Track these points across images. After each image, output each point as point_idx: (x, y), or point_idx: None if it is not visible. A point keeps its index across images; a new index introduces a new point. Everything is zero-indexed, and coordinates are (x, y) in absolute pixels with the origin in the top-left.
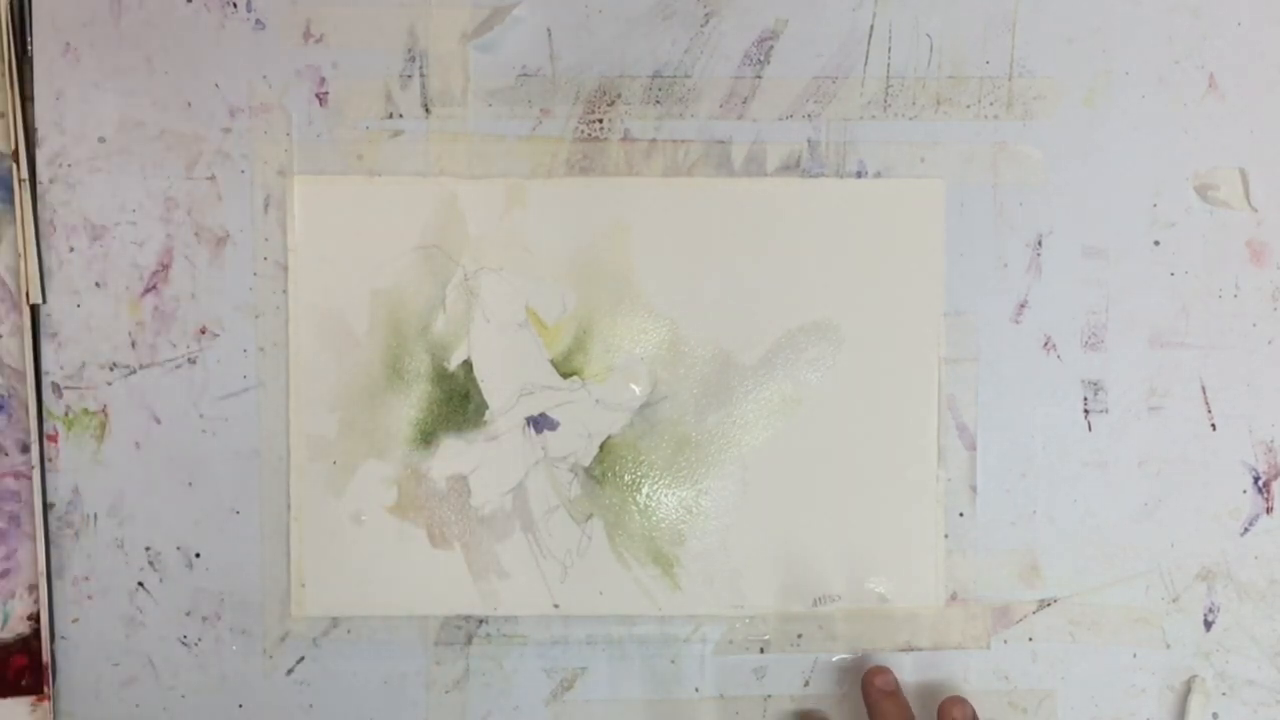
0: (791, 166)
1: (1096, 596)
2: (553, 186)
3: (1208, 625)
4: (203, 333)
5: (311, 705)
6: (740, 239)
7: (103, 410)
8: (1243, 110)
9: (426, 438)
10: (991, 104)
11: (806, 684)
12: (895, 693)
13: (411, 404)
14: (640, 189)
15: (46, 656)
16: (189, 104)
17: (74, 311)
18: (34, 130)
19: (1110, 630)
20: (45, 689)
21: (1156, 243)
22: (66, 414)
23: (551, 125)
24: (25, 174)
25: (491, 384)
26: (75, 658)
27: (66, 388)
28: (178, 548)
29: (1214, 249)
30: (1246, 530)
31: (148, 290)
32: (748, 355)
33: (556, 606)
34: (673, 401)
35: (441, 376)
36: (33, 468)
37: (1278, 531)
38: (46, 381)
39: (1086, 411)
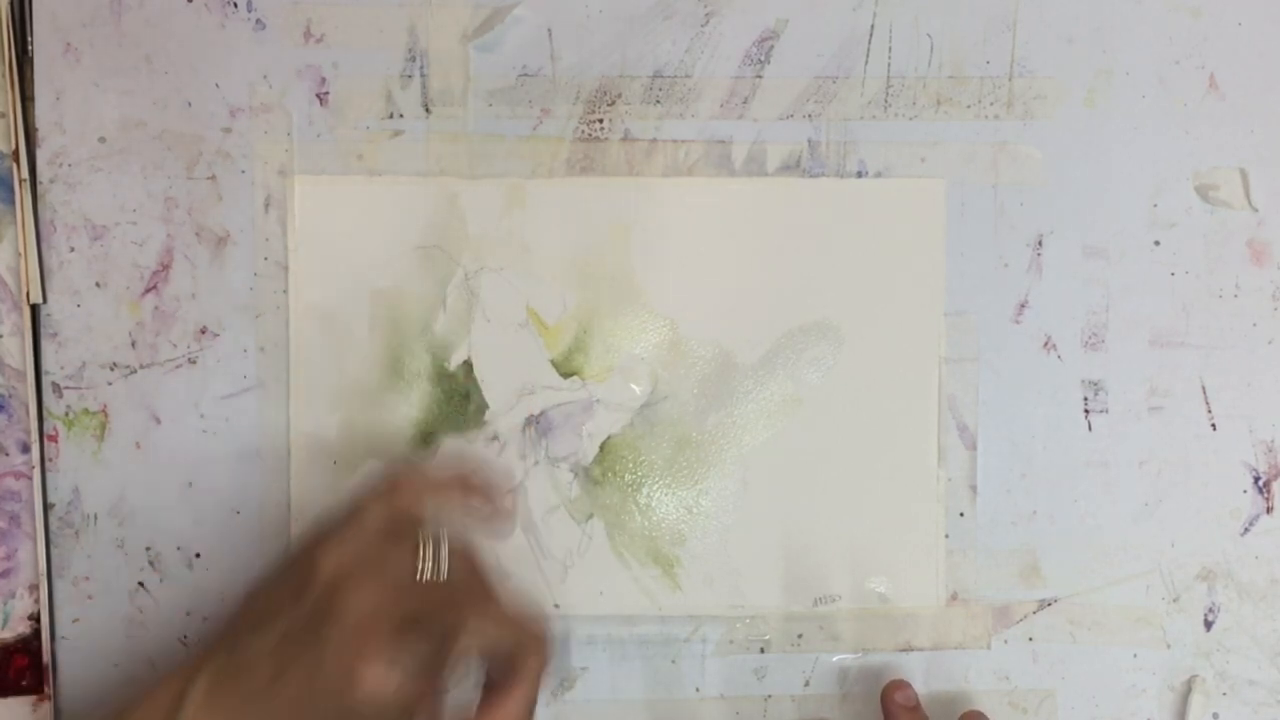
0: (792, 166)
1: (1096, 596)
2: (553, 186)
3: (1208, 625)
4: (203, 333)
5: None
6: (740, 239)
7: (103, 410)
8: (1243, 110)
9: (427, 438)
10: (991, 104)
11: (807, 684)
12: (916, 708)
13: (412, 404)
14: (640, 189)
15: (47, 656)
16: (189, 104)
17: (74, 311)
18: (34, 130)
19: (1110, 630)
20: (45, 689)
21: (1157, 243)
22: (66, 414)
23: (551, 125)
24: (25, 174)
25: (491, 384)
26: (76, 658)
27: (66, 388)
28: (178, 548)
29: (1214, 249)
30: (1247, 530)
31: (148, 290)
32: (748, 355)
33: (556, 606)
34: (673, 401)
35: (441, 376)
36: (33, 468)
37: (1278, 531)
38: (46, 381)
39: (1086, 411)
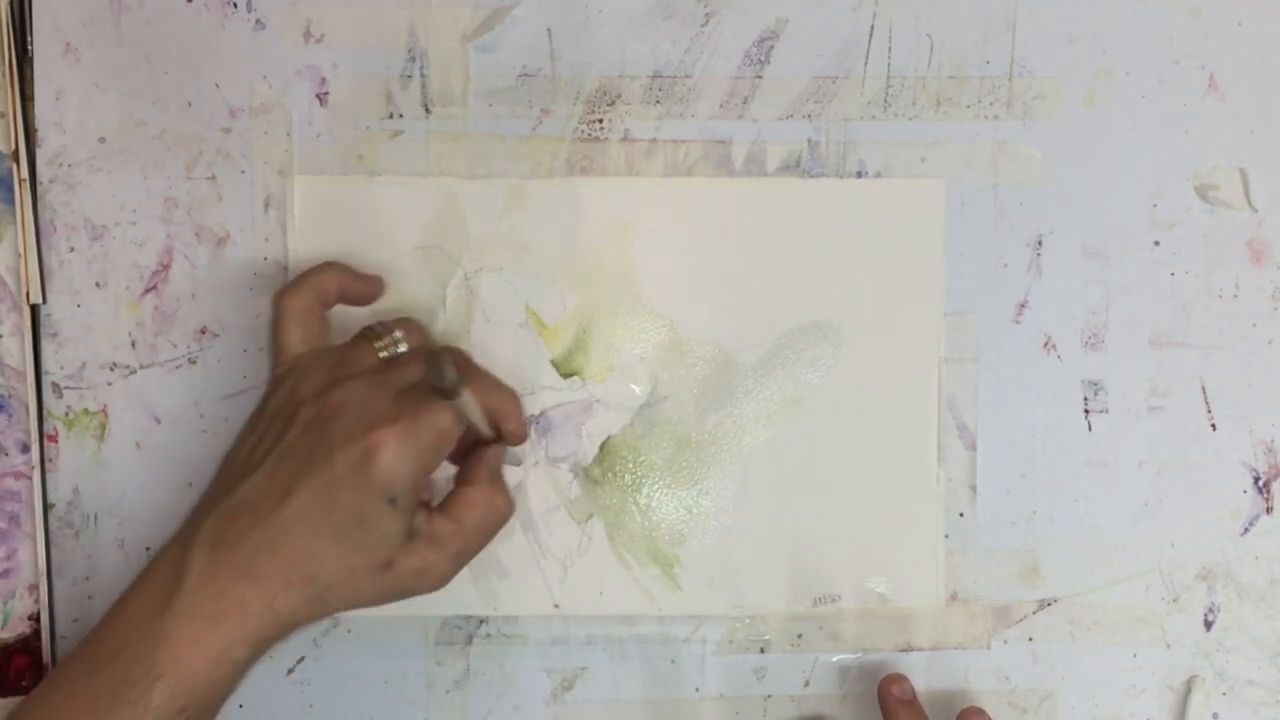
0: (792, 166)
1: (1096, 596)
2: (553, 186)
3: (1208, 625)
4: (203, 333)
5: (312, 705)
6: (740, 239)
7: (103, 410)
8: (1243, 110)
9: None
10: (991, 104)
11: (807, 684)
12: (913, 702)
13: None
14: (640, 189)
15: (47, 656)
16: (189, 104)
17: (74, 311)
18: (34, 130)
19: (1110, 630)
20: None
21: (1156, 243)
22: (66, 414)
23: (551, 125)
24: (25, 174)
25: None
26: None
27: (66, 388)
28: None
29: (1214, 249)
30: (1246, 530)
31: (148, 290)
32: (748, 355)
33: (556, 606)
34: (673, 401)
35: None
36: (33, 468)
37: (1278, 531)
38: (46, 381)
39: (1086, 411)
